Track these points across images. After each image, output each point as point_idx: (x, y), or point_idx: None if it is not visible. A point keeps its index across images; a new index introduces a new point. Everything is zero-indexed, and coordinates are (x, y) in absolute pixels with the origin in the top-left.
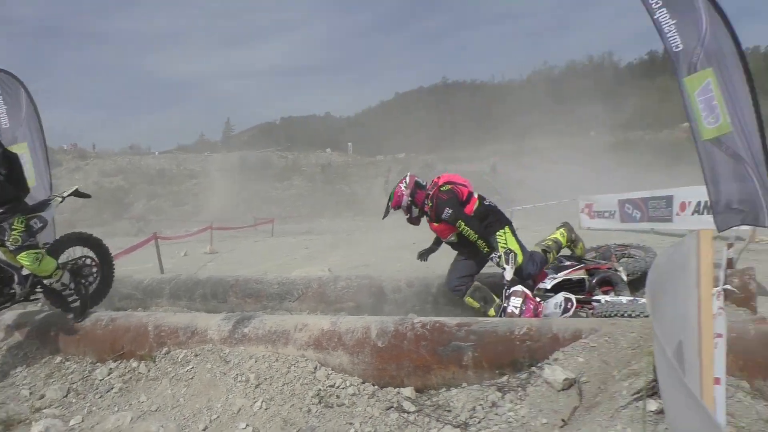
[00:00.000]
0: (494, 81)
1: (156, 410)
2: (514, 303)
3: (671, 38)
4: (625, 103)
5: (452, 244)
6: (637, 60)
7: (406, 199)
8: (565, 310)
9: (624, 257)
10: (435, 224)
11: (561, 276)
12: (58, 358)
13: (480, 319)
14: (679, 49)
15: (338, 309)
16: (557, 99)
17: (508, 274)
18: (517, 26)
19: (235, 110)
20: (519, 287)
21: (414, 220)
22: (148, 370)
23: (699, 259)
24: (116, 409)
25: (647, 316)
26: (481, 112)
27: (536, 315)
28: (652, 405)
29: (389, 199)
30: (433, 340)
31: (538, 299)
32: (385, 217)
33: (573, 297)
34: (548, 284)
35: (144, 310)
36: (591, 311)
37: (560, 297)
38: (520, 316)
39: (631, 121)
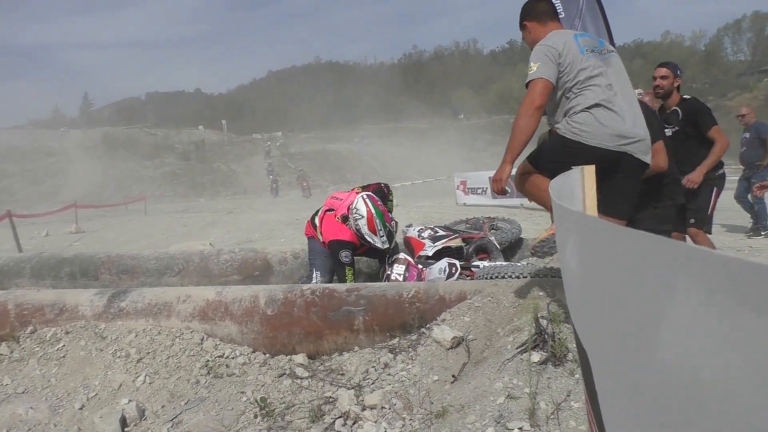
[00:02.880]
0: (367, 62)
1: (23, 392)
2: (398, 270)
3: (555, 3)
4: (489, 88)
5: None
6: (500, 48)
7: None
8: (450, 275)
9: (492, 229)
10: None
11: (440, 244)
12: None
13: (369, 284)
14: (562, 16)
15: (223, 283)
16: (427, 82)
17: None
18: (387, 9)
19: (92, 84)
20: (402, 255)
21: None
22: (11, 352)
23: (584, 194)
24: None
25: (525, 277)
26: (355, 92)
27: (420, 281)
28: (536, 357)
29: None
30: (323, 306)
31: (420, 266)
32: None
33: (456, 262)
34: (429, 251)
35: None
36: (469, 277)
37: (444, 262)
38: (404, 280)
39: (496, 106)
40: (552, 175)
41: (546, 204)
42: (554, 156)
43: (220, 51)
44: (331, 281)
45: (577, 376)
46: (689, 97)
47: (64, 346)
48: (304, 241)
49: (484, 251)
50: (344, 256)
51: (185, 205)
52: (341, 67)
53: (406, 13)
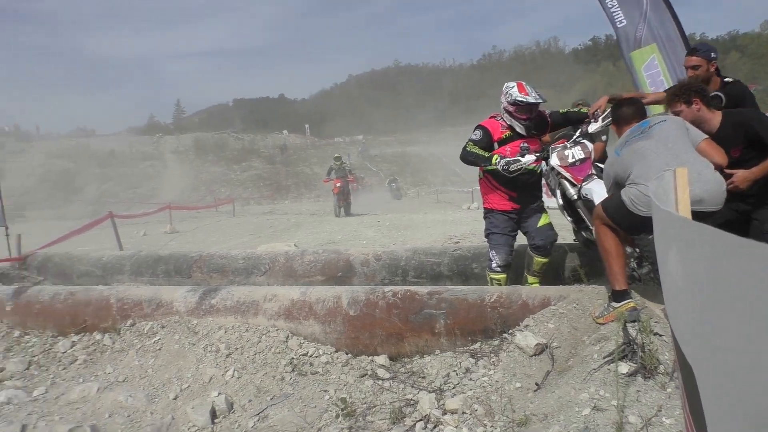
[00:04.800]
0: (445, 65)
1: (123, 381)
2: (576, 152)
3: (615, 14)
4: (572, 87)
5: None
6: (582, 46)
7: None
8: None
9: None
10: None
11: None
12: (17, 333)
13: (451, 287)
14: (623, 24)
15: (306, 283)
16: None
17: (594, 127)
18: (466, 10)
19: (184, 92)
20: (591, 145)
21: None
22: (113, 343)
23: (677, 197)
24: (81, 380)
25: None
26: (434, 95)
27: (583, 179)
28: (624, 368)
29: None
30: (405, 308)
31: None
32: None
33: None
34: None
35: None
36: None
37: None
38: (571, 164)
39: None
40: (623, 228)
41: (607, 259)
42: (623, 218)
43: (302, 57)
44: (510, 258)
45: (669, 390)
46: (731, 79)
47: (159, 339)
48: (385, 243)
49: None
50: (475, 134)
51: (271, 206)
52: (420, 70)
53: (484, 14)
